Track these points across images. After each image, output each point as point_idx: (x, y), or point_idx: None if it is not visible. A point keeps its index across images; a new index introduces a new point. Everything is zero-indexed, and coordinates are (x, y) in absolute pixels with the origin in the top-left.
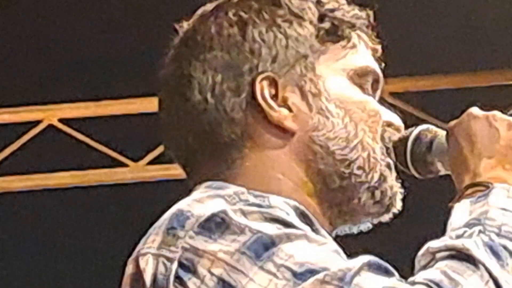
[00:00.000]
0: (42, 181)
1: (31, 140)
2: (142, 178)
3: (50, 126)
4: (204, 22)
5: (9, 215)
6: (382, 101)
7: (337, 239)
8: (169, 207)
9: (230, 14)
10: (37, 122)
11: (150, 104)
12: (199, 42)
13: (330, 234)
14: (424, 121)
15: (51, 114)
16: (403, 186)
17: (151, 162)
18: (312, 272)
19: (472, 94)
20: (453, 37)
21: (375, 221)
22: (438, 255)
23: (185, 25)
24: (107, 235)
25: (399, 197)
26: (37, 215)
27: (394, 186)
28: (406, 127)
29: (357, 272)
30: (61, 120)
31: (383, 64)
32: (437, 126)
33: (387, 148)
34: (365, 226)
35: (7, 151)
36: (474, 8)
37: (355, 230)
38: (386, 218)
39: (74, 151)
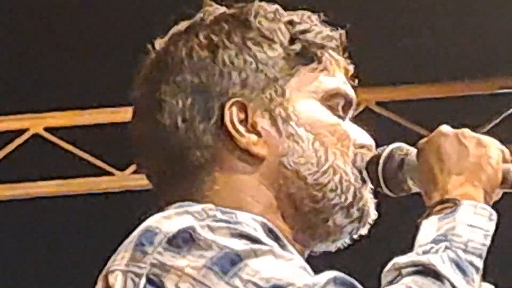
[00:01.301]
0: (27, 189)
1: (16, 149)
2: (128, 187)
3: (36, 135)
4: (175, 44)
5: None
6: (368, 110)
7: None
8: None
9: (201, 36)
10: (22, 131)
11: None
12: (169, 64)
13: (299, 253)
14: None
15: (37, 123)
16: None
17: (136, 171)
18: (278, 287)
19: (457, 103)
20: (439, 46)
21: (355, 236)
22: (404, 271)
23: (158, 44)
24: (92, 244)
25: (373, 208)
26: (22, 224)
27: (367, 201)
28: (392, 136)
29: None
30: (46, 129)
31: (356, 82)
32: (421, 136)
33: (359, 170)
34: (341, 243)
35: None
36: (462, 18)
37: (332, 248)
38: (363, 231)
39: (59, 160)
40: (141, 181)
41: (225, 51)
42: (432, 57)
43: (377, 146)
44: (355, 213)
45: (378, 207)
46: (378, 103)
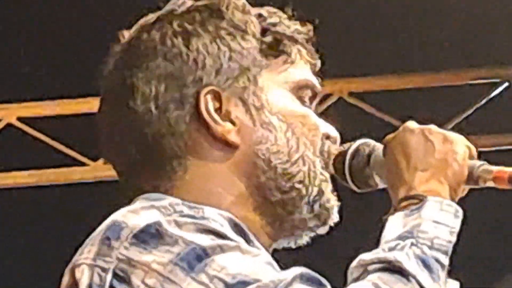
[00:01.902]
0: (0, 180)
1: None
2: (101, 177)
3: (9, 125)
4: (148, 31)
5: None
6: (341, 100)
7: (273, 252)
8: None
9: (175, 24)
10: None
11: None
12: (142, 50)
13: (266, 249)
14: (383, 121)
15: (10, 113)
16: (339, 198)
17: None
18: (244, 283)
19: (430, 94)
20: (412, 37)
21: (313, 234)
22: (370, 267)
23: (126, 34)
24: (65, 235)
25: (335, 209)
26: None
27: (331, 199)
28: (365, 127)
29: (289, 284)
30: (20, 119)
31: (320, 78)
32: (395, 127)
33: (326, 162)
34: (303, 240)
35: None
36: (435, 9)
37: (292, 244)
38: (322, 231)
39: (33, 150)
40: (114, 172)
41: (199, 39)
42: (406, 48)
43: (350, 136)
44: (317, 209)
45: (341, 209)
46: (351, 94)
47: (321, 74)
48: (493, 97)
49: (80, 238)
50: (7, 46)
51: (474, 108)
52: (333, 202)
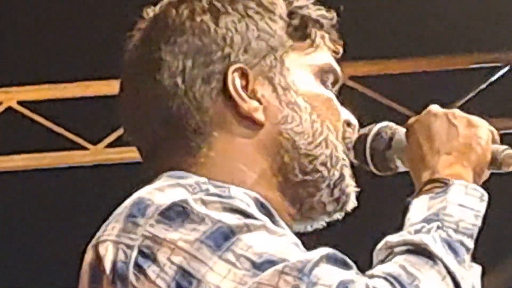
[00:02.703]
0: (0, 163)
1: None
2: (101, 160)
3: (9, 109)
4: (176, 8)
5: None
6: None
7: (296, 234)
8: (128, 190)
9: (204, 2)
10: None
11: (109, 87)
12: (170, 25)
13: (290, 229)
14: (384, 105)
15: (10, 97)
16: (357, 183)
17: (110, 145)
18: (271, 262)
19: (431, 78)
20: (413, 21)
21: (329, 219)
22: (396, 250)
23: (151, 11)
24: (65, 218)
25: (353, 196)
26: None
27: (350, 185)
28: (367, 111)
29: (316, 264)
30: (20, 103)
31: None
32: (396, 111)
33: (347, 147)
34: (319, 224)
35: None
36: None
37: (309, 228)
38: (339, 216)
39: (33, 134)
40: (114, 155)
41: (228, 17)
42: (408, 32)
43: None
44: (337, 193)
45: (366, 185)
46: (352, 78)
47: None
48: (494, 81)
49: (81, 221)
50: (7, 30)
51: (475, 92)
52: (352, 188)
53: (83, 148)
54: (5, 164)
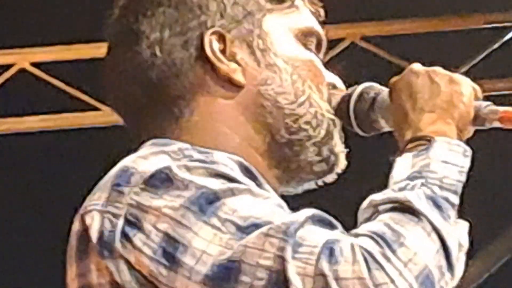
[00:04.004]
0: (13, 125)
1: (2, 84)
2: (115, 121)
3: (22, 70)
4: None
5: None
6: (353, 45)
7: (284, 197)
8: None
9: None
10: (8, 66)
11: None
12: None
13: (275, 192)
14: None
15: (22, 58)
16: (346, 144)
17: None
18: (256, 225)
19: (443, 39)
20: None
21: (319, 181)
22: (380, 208)
23: None
24: (78, 179)
25: (343, 156)
26: (8, 159)
27: (339, 145)
28: (377, 71)
29: (301, 225)
30: (33, 64)
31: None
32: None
33: (332, 108)
34: (309, 186)
35: None
36: None
37: (299, 190)
38: (330, 178)
39: (46, 95)
40: None
41: None
42: None
43: (362, 81)
44: (325, 152)
45: (350, 145)
46: (364, 38)
47: (334, 18)
48: (505, 41)
49: (93, 183)
50: None
51: (486, 52)
52: (341, 148)
53: (97, 109)
54: (19, 125)
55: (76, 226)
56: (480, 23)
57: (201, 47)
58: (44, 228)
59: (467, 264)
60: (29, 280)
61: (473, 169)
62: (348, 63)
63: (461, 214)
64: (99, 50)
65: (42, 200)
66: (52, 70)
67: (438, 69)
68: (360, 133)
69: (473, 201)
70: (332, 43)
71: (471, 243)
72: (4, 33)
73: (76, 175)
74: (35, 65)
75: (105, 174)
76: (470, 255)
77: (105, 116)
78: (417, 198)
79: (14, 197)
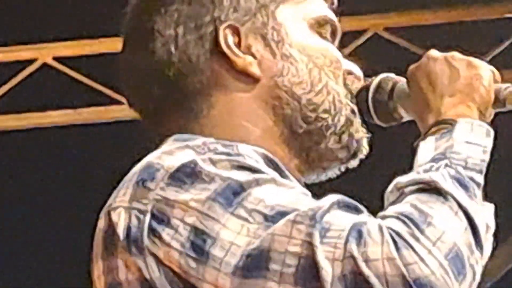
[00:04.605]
0: (37, 119)
1: (25, 78)
2: (137, 115)
3: (45, 65)
4: None
5: (3, 154)
6: (376, 36)
7: (306, 186)
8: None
9: None
10: (31, 61)
11: None
12: None
13: (299, 181)
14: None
15: (45, 53)
16: (369, 131)
17: None
18: (283, 214)
19: (466, 28)
20: None
21: (343, 167)
22: (406, 190)
23: None
24: (102, 173)
25: (365, 142)
26: (32, 153)
27: (360, 131)
28: (401, 62)
29: (327, 210)
30: (55, 58)
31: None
32: None
33: (350, 94)
34: (333, 173)
35: (2, 90)
36: None
37: (323, 177)
38: (353, 164)
39: (69, 89)
40: None
41: None
42: None
43: (385, 71)
44: (346, 139)
45: (373, 134)
46: (387, 29)
47: (356, 9)
48: None
49: (117, 177)
50: None
51: (510, 41)
52: (362, 134)
53: (120, 103)
54: (42, 120)
55: (102, 223)
56: (503, 13)
57: (216, 42)
58: (68, 224)
59: (492, 251)
60: (56, 277)
61: (495, 151)
62: (371, 53)
63: (485, 197)
64: (121, 44)
65: (66, 195)
66: (75, 64)
67: (456, 54)
68: (381, 124)
69: (497, 184)
70: (355, 34)
71: (497, 225)
72: (27, 28)
73: (100, 169)
74: (58, 59)
75: (129, 168)
76: (496, 239)
77: (128, 109)
78: (442, 178)
79: (38, 191)
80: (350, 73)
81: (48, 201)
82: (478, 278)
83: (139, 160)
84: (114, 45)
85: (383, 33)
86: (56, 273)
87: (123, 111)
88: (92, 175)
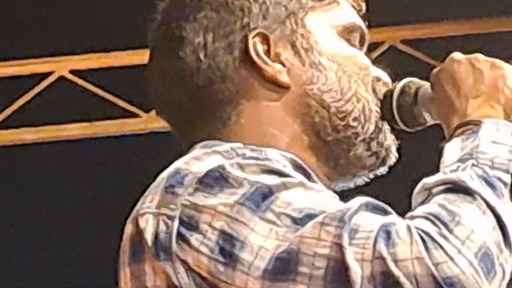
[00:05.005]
0: (53, 132)
1: (42, 92)
2: (154, 128)
3: (61, 78)
4: None
5: (20, 167)
6: (393, 48)
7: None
8: (181, 156)
9: None
10: (48, 74)
11: None
12: (187, 3)
13: (328, 188)
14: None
15: (62, 66)
16: (397, 136)
17: None
18: (311, 216)
19: (481, 41)
20: None
21: (371, 174)
22: (434, 190)
23: None
24: (118, 186)
25: (394, 149)
26: (48, 167)
27: (388, 138)
28: (417, 74)
29: (355, 212)
30: (72, 72)
31: (369, 27)
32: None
33: (380, 101)
34: (361, 180)
35: (19, 103)
36: None
37: (351, 184)
38: (381, 171)
39: (85, 102)
40: (166, 123)
41: None
42: None
43: None
44: (375, 146)
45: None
46: (403, 41)
47: (373, 22)
48: None
49: (134, 189)
50: None
51: None
52: (391, 141)
53: (136, 115)
54: (59, 133)
55: (129, 229)
56: None
57: (245, 50)
58: (86, 237)
59: None
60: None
61: None
62: (387, 66)
63: None
64: (137, 57)
65: (83, 208)
66: (91, 77)
67: (479, 55)
68: (405, 129)
69: None
70: (371, 47)
71: None
72: (43, 41)
73: (116, 183)
74: (74, 72)
75: (145, 181)
76: None
77: (145, 122)
78: (470, 177)
79: (55, 205)
80: (378, 79)
81: (65, 215)
82: (508, 276)
83: (158, 173)
84: (129, 58)
85: (399, 45)
86: (78, 285)
87: (139, 124)
88: (109, 188)
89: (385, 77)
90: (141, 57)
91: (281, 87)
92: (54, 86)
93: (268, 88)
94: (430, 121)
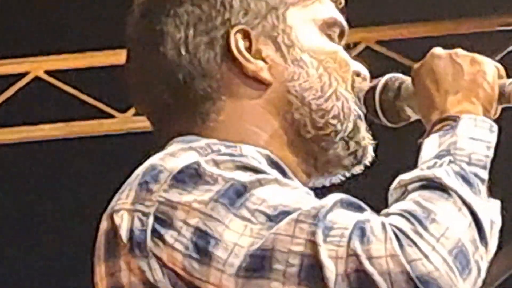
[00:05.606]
0: (28, 133)
1: (17, 92)
2: (129, 129)
3: (37, 78)
4: None
5: None
6: (368, 49)
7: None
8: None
9: None
10: (23, 74)
11: None
12: None
13: (304, 185)
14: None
15: (37, 66)
16: (373, 136)
17: (138, 113)
18: (285, 213)
19: (457, 41)
20: None
21: (348, 173)
22: (410, 187)
23: None
24: (94, 187)
25: (370, 148)
26: (23, 167)
27: (366, 137)
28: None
29: (330, 209)
30: (47, 72)
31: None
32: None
33: (358, 98)
34: (337, 178)
35: None
36: None
37: (327, 183)
38: (357, 170)
39: (60, 103)
40: (142, 123)
41: None
42: None
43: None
44: (353, 145)
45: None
46: (379, 42)
47: (348, 22)
48: None
49: (109, 189)
50: (34, 0)
51: (502, 55)
52: (368, 140)
53: (111, 116)
54: (33, 133)
55: (104, 225)
56: (494, 26)
57: (226, 46)
58: (59, 236)
59: (496, 253)
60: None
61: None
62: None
63: (490, 193)
64: (113, 57)
65: (58, 208)
66: (67, 78)
67: (460, 50)
68: (388, 124)
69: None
70: (347, 47)
71: (503, 221)
72: (18, 41)
73: (91, 183)
74: (50, 73)
75: (121, 181)
76: (502, 234)
77: (120, 123)
78: (446, 174)
79: (30, 205)
80: (358, 74)
81: (40, 215)
82: (483, 274)
83: (130, 173)
84: (105, 58)
85: (375, 46)
86: (55, 278)
87: (114, 125)
88: (84, 189)
89: (364, 70)
90: (117, 57)
91: (262, 84)
92: (29, 87)
93: (249, 84)
94: (413, 116)
